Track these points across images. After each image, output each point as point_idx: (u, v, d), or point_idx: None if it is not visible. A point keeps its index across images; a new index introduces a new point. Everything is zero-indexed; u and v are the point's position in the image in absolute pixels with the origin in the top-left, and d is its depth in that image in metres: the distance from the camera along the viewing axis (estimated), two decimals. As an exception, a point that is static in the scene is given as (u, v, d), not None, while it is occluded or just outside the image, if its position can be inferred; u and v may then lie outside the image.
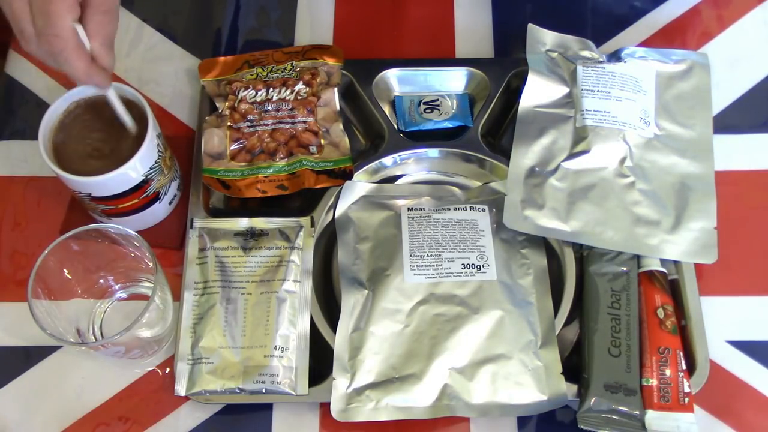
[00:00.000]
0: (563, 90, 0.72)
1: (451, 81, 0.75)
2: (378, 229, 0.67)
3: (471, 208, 0.67)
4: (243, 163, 0.68)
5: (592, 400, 0.59)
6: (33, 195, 0.71)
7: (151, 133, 0.61)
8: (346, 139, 0.70)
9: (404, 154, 0.71)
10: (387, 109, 0.74)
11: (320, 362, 0.62)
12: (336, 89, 0.71)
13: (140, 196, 0.63)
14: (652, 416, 0.58)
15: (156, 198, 0.65)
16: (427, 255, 0.64)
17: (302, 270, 0.65)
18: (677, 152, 0.70)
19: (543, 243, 0.67)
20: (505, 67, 0.74)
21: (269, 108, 0.70)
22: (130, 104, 0.62)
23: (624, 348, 0.61)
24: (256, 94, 0.70)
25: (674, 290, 0.65)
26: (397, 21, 0.80)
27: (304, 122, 0.69)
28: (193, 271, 0.65)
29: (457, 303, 0.62)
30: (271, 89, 0.70)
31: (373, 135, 0.73)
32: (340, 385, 0.60)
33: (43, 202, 0.70)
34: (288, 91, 0.70)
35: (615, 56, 0.74)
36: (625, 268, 0.64)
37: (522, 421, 0.62)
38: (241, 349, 0.61)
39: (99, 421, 0.62)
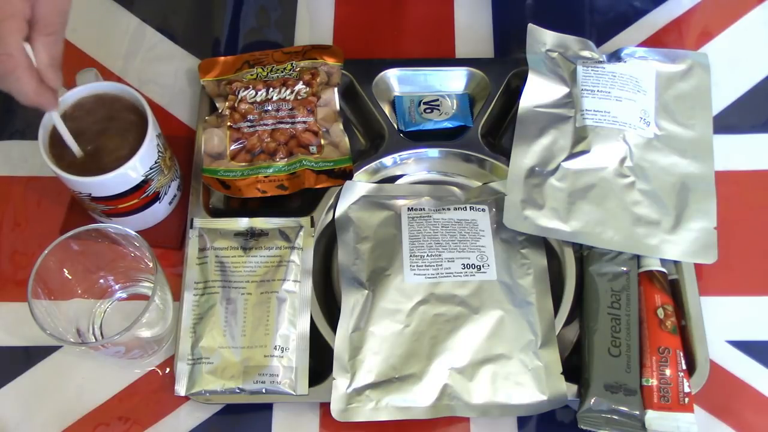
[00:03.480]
0: (563, 90, 0.72)
1: (451, 81, 0.75)
2: (378, 229, 0.67)
3: (471, 208, 0.67)
4: (243, 163, 0.68)
5: (592, 400, 0.59)
6: (33, 195, 0.71)
7: (151, 133, 0.61)
8: (346, 139, 0.70)
9: (404, 154, 0.71)
10: (387, 109, 0.74)
11: (320, 362, 0.62)
12: (336, 89, 0.71)
13: (140, 196, 0.63)
14: (652, 416, 0.58)
15: (156, 198, 0.65)
16: (427, 255, 0.64)
17: (302, 270, 0.65)
18: (677, 152, 0.70)
19: (543, 243, 0.67)
20: (505, 67, 0.74)
21: (269, 108, 0.70)
22: (130, 104, 0.62)
23: (624, 348, 0.61)
24: (256, 94, 0.70)
25: (674, 290, 0.65)
26: (397, 21, 0.80)
27: (304, 122, 0.69)
28: (193, 271, 0.65)
29: (457, 303, 0.62)
30: (271, 89, 0.70)
31: (373, 135, 0.73)
32: (340, 385, 0.60)
33: (43, 202, 0.70)
34: (288, 91, 0.70)
35: (615, 56, 0.74)
36: (625, 268, 0.64)
37: (522, 421, 0.62)
38: (241, 349, 0.61)
39: (99, 421, 0.62)
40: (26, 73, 0.51)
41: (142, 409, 0.62)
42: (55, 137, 0.61)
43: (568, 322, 0.64)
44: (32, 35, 0.51)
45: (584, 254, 0.66)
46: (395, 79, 0.75)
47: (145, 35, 0.79)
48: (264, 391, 0.60)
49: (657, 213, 0.66)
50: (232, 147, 0.69)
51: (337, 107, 0.71)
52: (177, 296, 0.64)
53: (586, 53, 0.74)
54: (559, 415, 0.62)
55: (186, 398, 0.62)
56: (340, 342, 0.62)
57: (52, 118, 0.58)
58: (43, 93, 0.53)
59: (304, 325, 0.63)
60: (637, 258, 0.65)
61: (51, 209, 0.69)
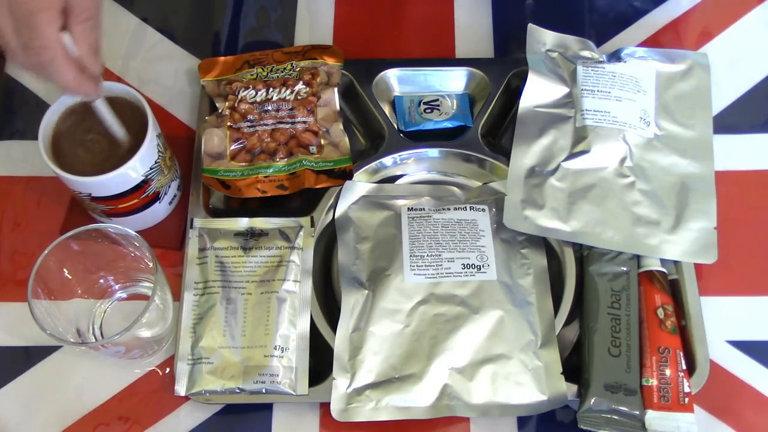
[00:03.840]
0: (563, 90, 0.72)
1: (451, 81, 0.75)
2: (378, 229, 0.67)
3: (471, 208, 0.67)
4: (243, 163, 0.68)
5: (592, 400, 0.59)
6: (33, 195, 0.71)
7: (151, 133, 0.61)
8: (346, 139, 0.70)
9: (404, 154, 0.71)
10: (387, 109, 0.74)
11: (320, 362, 0.62)
12: (336, 89, 0.71)
13: (140, 196, 0.63)
14: (652, 416, 0.58)
15: (156, 198, 0.65)
16: (427, 255, 0.64)
17: (302, 270, 0.65)
18: (677, 152, 0.70)
19: (543, 243, 0.67)
20: (505, 67, 0.74)
21: (269, 108, 0.70)
22: (129, 104, 0.62)
23: (624, 348, 0.61)
24: (256, 94, 0.70)
25: (674, 290, 0.65)
26: (397, 21, 0.80)
27: (304, 122, 0.69)
28: (193, 271, 0.65)
29: (457, 303, 0.62)
30: (271, 89, 0.70)
31: (373, 135, 0.73)
32: (340, 385, 0.60)
33: (43, 202, 0.70)
34: (288, 91, 0.70)
35: (615, 56, 0.74)
36: (625, 268, 0.64)
37: (522, 421, 0.62)
38: (241, 349, 0.61)
39: (99, 421, 0.62)
40: (65, 63, 0.52)
41: (142, 409, 0.62)
42: (55, 137, 0.61)
43: (568, 322, 0.64)
44: (69, 23, 0.52)
45: (584, 254, 0.66)
46: (395, 79, 0.75)
47: (145, 35, 0.79)
48: (264, 391, 0.60)
49: (657, 213, 0.66)
50: (232, 147, 0.69)
51: (337, 107, 0.71)
52: (177, 296, 0.64)
53: (586, 53, 0.74)
54: (559, 415, 0.62)
55: (186, 398, 0.62)
56: (340, 342, 0.62)
57: (97, 106, 0.58)
58: (85, 81, 0.54)
59: (304, 325, 0.63)
60: (637, 258, 0.65)
61: (51, 209, 0.69)
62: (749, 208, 0.70)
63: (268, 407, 0.62)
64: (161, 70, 0.77)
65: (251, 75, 0.72)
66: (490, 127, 0.73)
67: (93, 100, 0.57)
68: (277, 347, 0.61)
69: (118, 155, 0.60)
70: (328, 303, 0.66)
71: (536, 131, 0.70)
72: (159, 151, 0.63)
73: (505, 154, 0.70)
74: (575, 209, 0.66)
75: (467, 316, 0.62)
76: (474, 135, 0.71)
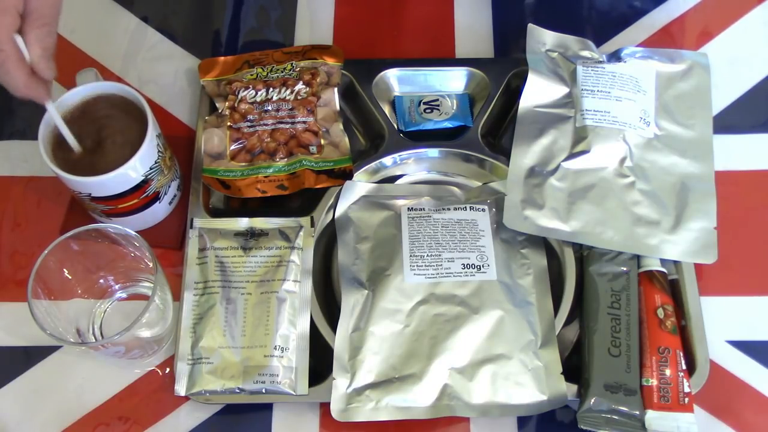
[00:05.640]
0: (563, 90, 0.72)
1: (451, 81, 0.75)
2: (378, 229, 0.67)
3: (471, 208, 0.67)
4: (243, 163, 0.68)
5: (592, 400, 0.59)
6: (33, 195, 0.71)
7: (151, 133, 0.61)
8: (346, 139, 0.70)
9: (404, 154, 0.71)
10: (387, 109, 0.74)
11: (320, 362, 0.62)
12: (336, 89, 0.72)
13: (140, 196, 0.63)
14: (652, 416, 0.58)
15: (156, 198, 0.65)
16: (427, 255, 0.64)
17: (302, 270, 0.65)
18: (677, 152, 0.70)
19: (543, 243, 0.67)
20: (505, 67, 0.74)
21: (269, 108, 0.70)
22: (130, 104, 0.62)
23: (624, 348, 0.61)
24: (256, 94, 0.70)
25: (674, 290, 0.65)
26: (397, 21, 0.80)
27: (304, 122, 0.69)
28: (193, 271, 0.65)
29: (457, 303, 0.62)
30: (271, 89, 0.70)
31: (373, 135, 0.73)
32: (340, 385, 0.60)
33: (43, 202, 0.70)
34: (288, 91, 0.70)
35: (615, 56, 0.74)
36: (625, 268, 0.64)
37: (522, 421, 0.62)
38: (241, 349, 0.61)
39: (99, 421, 0.62)
40: (16, 65, 0.52)
41: (142, 409, 0.62)
42: (55, 137, 0.61)
43: (568, 322, 0.64)
44: (25, 27, 0.52)
45: (584, 254, 0.66)
46: (395, 79, 0.75)
47: (145, 35, 0.79)
48: (264, 391, 0.60)
49: (657, 213, 0.66)
50: (232, 147, 0.69)
51: (337, 107, 0.71)
52: (177, 296, 0.64)
53: (586, 53, 0.74)
54: (559, 415, 0.62)
55: (186, 398, 0.62)
56: (340, 342, 0.62)
57: (49, 111, 0.58)
58: (35, 85, 0.54)
59: (304, 325, 0.63)
60: (637, 258, 0.65)
61: (51, 209, 0.69)
62: (749, 208, 0.70)
63: (268, 407, 0.62)
64: (161, 70, 0.77)
65: (251, 75, 0.72)
66: (490, 127, 0.73)
67: (43, 103, 0.57)
68: (277, 347, 0.61)
69: (118, 155, 0.60)
70: (328, 303, 0.66)
71: (536, 131, 0.70)
72: (159, 151, 0.63)
73: (505, 154, 0.70)
74: (575, 209, 0.66)
75: (467, 316, 0.62)
76: (474, 135, 0.71)
